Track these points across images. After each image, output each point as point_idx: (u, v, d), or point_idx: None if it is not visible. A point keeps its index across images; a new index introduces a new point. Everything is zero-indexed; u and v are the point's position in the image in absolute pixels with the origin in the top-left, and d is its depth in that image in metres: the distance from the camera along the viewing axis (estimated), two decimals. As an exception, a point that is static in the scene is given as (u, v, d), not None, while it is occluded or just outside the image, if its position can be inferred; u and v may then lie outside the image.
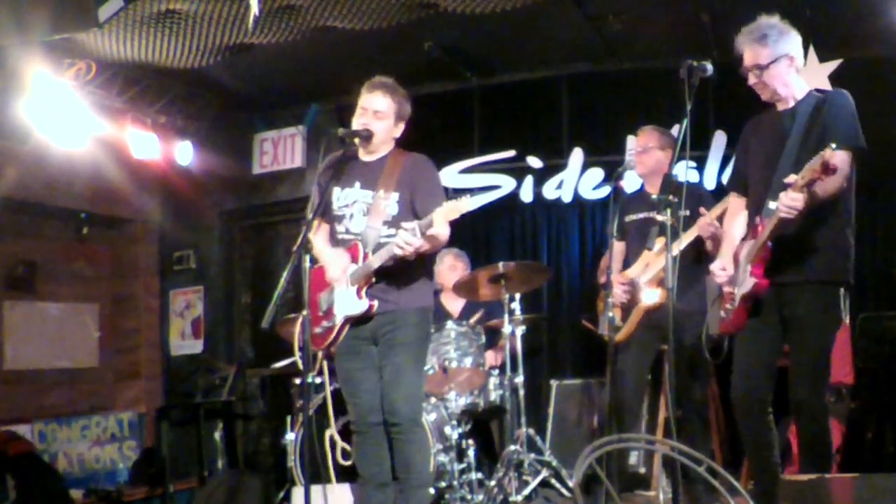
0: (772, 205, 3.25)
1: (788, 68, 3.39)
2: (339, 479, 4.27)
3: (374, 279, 3.70)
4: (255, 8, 4.52)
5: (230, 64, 5.78)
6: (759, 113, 3.59)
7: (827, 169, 2.97)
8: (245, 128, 7.11)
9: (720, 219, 4.26)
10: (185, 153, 6.60)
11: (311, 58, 5.85)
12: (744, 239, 3.48)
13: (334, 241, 3.88)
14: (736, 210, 3.61)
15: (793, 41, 3.39)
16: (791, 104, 3.44)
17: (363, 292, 3.70)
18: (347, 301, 3.72)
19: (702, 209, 4.23)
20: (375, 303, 3.70)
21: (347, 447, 3.89)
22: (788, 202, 3.08)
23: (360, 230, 3.76)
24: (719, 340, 3.81)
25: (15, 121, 5.42)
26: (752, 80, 3.41)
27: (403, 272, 3.70)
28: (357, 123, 3.77)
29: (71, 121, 5.62)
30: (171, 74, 5.97)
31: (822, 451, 3.36)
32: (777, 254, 3.30)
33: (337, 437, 3.92)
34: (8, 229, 6.62)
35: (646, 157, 4.55)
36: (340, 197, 3.83)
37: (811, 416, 3.34)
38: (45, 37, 4.71)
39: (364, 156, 3.86)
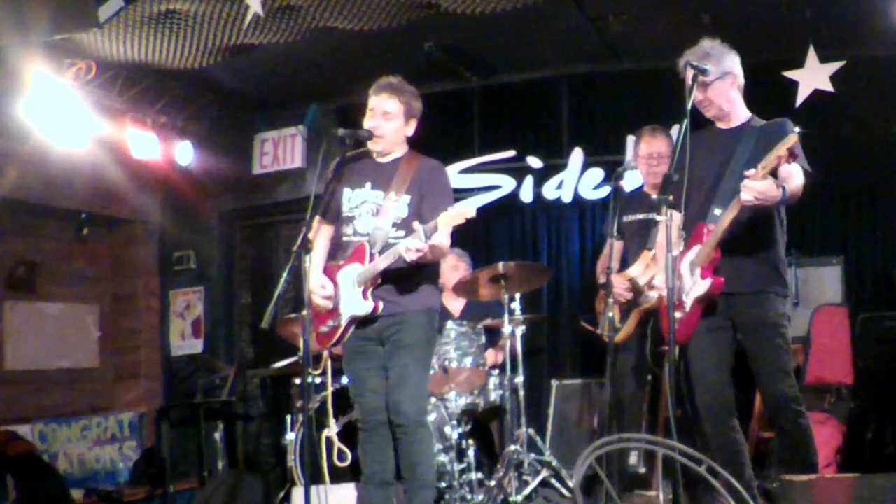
0: (717, 210, 3.34)
1: (731, 86, 3.49)
2: (340, 480, 4.26)
3: (380, 280, 3.70)
4: (258, 8, 4.51)
5: (230, 64, 5.77)
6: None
7: (792, 153, 3.05)
8: (245, 128, 7.09)
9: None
10: (185, 153, 6.60)
11: (311, 58, 5.84)
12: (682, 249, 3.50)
13: (339, 244, 3.86)
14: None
15: (734, 61, 3.50)
16: (734, 123, 3.52)
17: (369, 293, 3.70)
18: (353, 301, 3.72)
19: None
20: (381, 304, 3.70)
21: (345, 448, 3.86)
22: (751, 187, 3.12)
23: (368, 230, 3.75)
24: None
25: (15, 121, 5.42)
26: (697, 97, 3.43)
27: (409, 275, 3.69)
28: (366, 125, 3.76)
29: (71, 121, 5.62)
30: (171, 74, 5.97)
31: (805, 447, 3.37)
32: (721, 264, 3.38)
33: (334, 438, 3.89)
34: (8, 229, 6.62)
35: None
36: (351, 198, 3.81)
37: (791, 409, 3.37)
38: (45, 37, 4.72)
39: (377, 157, 3.84)
